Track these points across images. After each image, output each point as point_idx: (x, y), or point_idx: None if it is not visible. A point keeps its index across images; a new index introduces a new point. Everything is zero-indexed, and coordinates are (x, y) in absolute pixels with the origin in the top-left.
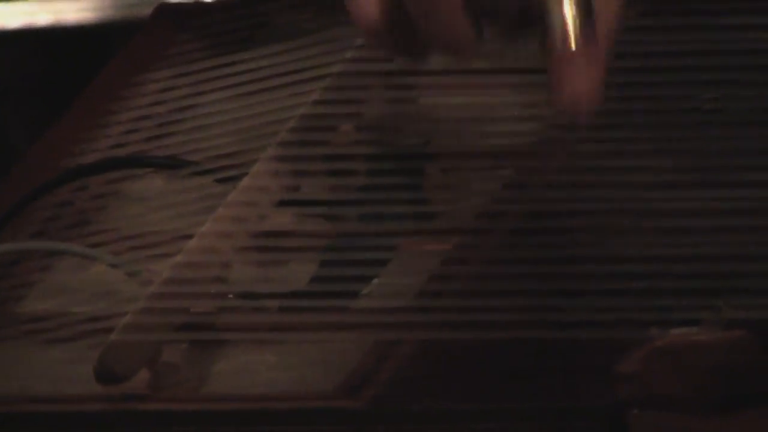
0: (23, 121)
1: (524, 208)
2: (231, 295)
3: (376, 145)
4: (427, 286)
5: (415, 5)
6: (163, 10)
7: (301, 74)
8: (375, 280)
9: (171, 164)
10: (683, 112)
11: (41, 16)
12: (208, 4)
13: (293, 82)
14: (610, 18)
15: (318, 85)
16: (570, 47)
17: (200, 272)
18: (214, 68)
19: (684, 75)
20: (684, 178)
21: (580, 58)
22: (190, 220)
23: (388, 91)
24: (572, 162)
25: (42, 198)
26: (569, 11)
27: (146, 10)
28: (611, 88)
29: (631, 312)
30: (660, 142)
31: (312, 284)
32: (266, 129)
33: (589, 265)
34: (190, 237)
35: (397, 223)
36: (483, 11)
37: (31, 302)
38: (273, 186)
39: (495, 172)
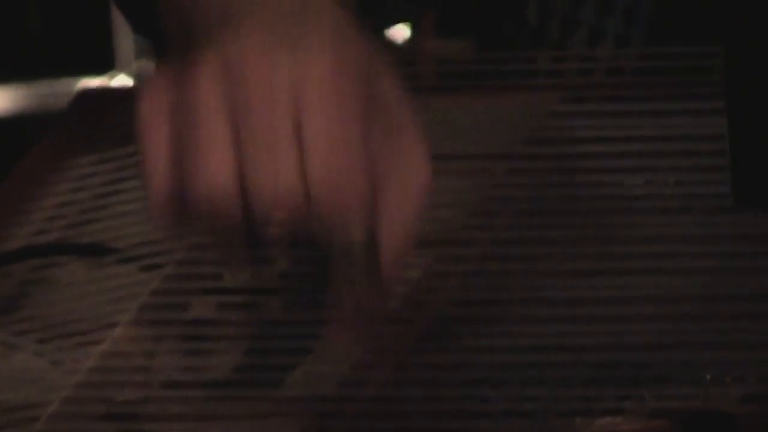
0: None
1: (446, 296)
2: (155, 384)
3: (300, 232)
4: (351, 374)
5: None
6: (85, 95)
7: None
8: (299, 369)
9: (94, 251)
10: (603, 199)
11: None
12: (130, 89)
13: None
14: (396, 240)
15: None
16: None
17: (125, 361)
18: (135, 154)
19: (608, 161)
20: (608, 265)
21: (355, 306)
22: (114, 308)
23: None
24: (494, 249)
25: None
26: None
27: (61, 101)
28: (531, 174)
29: (555, 402)
30: (581, 230)
31: (236, 373)
32: None
33: (512, 355)
34: (114, 325)
35: (321, 312)
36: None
37: None
38: (196, 274)
39: (417, 260)
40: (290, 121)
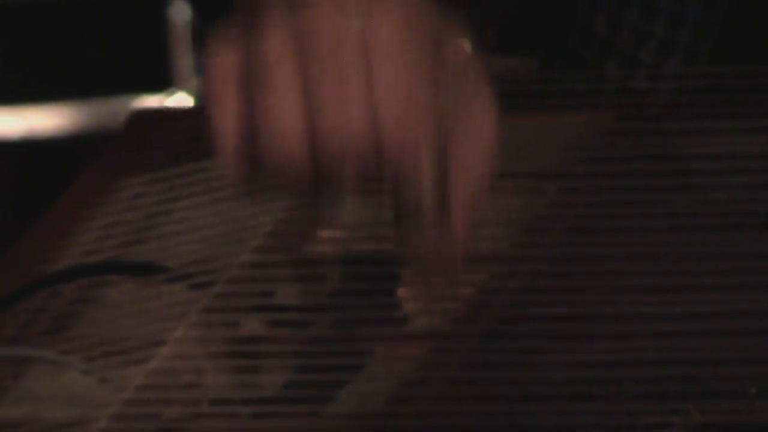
0: None
1: (497, 312)
2: (204, 401)
3: (349, 250)
4: (401, 390)
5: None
6: (137, 116)
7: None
8: (348, 385)
9: (144, 270)
10: (654, 217)
11: (13, 127)
12: (181, 110)
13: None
14: (466, 190)
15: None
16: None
17: (174, 378)
18: (187, 174)
19: (657, 179)
20: (654, 282)
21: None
22: (163, 326)
23: (362, 198)
24: (545, 267)
25: (15, 304)
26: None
27: (118, 120)
28: (584, 192)
29: (603, 417)
30: (632, 247)
31: (285, 389)
32: (239, 235)
33: (560, 370)
34: (163, 343)
35: (371, 329)
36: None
37: (3, 408)
38: (246, 292)
39: (468, 277)
40: (360, 71)
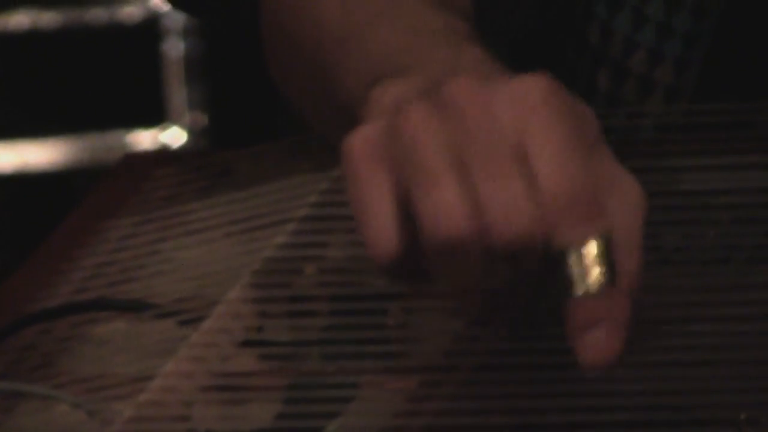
0: None
1: (487, 345)
2: None
3: (339, 286)
4: (391, 422)
5: (435, 261)
6: (128, 159)
7: (263, 219)
8: (339, 417)
9: (133, 307)
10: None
11: (6, 162)
12: (172, 153)
13: (255, 228)
14: (632, 269)
15: (280, 230)
16: (591, 303)
17: (163, 411)
18: (177, 215)
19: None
20: (645, 314)
21: (601, 315)
22: (152, 362)
23: (351, 235)
24: (538, 300)
25: (5, 341)
26: (589, 265)
27: (110, 156)
28: None
29: None
30: None
31: (276, 421)
32: (228, 273)
33: (548, 400)
34: (152, 378)
35: (360, 362)
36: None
37: None
38: (235, 327)
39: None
40: (515, 147)
